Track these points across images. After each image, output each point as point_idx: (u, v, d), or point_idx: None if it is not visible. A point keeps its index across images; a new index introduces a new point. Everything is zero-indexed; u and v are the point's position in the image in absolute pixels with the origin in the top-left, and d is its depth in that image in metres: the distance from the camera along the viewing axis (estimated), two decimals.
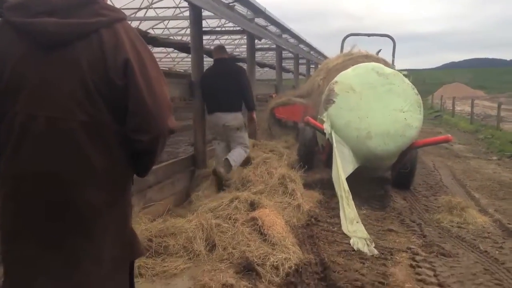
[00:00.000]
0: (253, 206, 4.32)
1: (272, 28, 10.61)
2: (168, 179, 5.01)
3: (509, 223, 5.36)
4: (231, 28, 8.06)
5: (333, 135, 5.91)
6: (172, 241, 3.51)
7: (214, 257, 3.59)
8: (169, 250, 3.47)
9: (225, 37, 14.66)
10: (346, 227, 4.67)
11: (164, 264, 3.34)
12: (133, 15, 11.70)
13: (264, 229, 3.86)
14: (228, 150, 5.83)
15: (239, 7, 8.01)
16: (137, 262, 3.24)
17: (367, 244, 4.24)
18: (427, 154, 10.95)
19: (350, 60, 7.60)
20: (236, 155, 5.69)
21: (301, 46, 14.63)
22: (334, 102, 6.06)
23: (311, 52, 17.28)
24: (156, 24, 14.41)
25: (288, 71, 20.01)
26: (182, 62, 24.60)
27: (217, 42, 14.80)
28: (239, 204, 4.25)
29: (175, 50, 15.35)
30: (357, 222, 4.70)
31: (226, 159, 5.47)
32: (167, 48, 16.24)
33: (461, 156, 10.61)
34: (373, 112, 5.86)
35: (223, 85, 5.85)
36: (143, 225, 3.58)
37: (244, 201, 4.31)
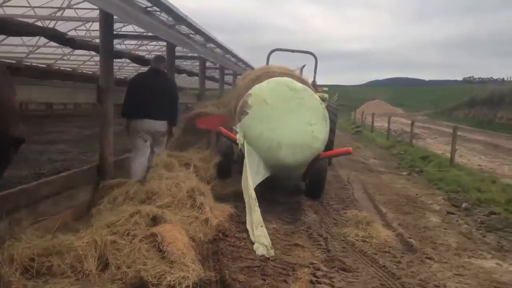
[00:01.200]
0: (155, 221, 4.14)
1: (198, 37, 10.50)
2: (67, 191, 4.67)
3: (409, 237, 5.59)
4: (146, 34, 7.77)
5: (245, 145, 6.13)
6: (57, 260, 3.24)
7: (105, 277, 3.38)
8: (53, 271, 3.20)
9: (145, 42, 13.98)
10: (252, 233, 4.85)
11: (45, 286, 3.07)
12: (53, 15, 11.07)
13: (163, 246, 3.69)
14: (150, 148, 6.23)
15: (160, 14, 7.82)
16: (14, 285, 2.97)
17: (267, 249, 4.47)
18: (344, 168, 11.31)
19: (268, 74, 7.68)
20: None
21: (228, 56, 14.62)
22: (247, 113, 6.32)
23: (239, 63, 17.33)
24: (79, 26, 13.77)
25: (216, 80, 19.98)
26: None
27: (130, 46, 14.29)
28: (139, 218, 4.05)
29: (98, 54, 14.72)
30: (261, 227, 4.89)
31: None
32: (90, 52, 15.52)
33: (375, 171, 11.04)
34: (283, 124, 6.11)
35: (156, 95, 6.12)
36: (24, 243, 3.27)
37: (146, 216, 4.12)
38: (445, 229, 6.18)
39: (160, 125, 6.21)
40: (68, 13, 11.27)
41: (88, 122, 17.78)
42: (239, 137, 6.33)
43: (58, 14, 11.36)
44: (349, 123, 34.37)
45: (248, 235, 4.95)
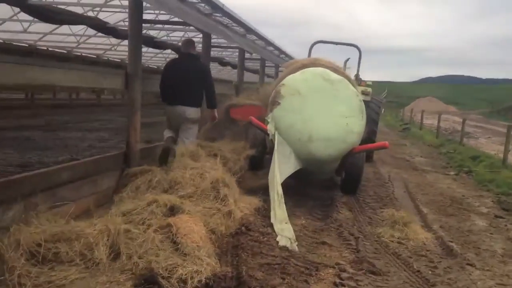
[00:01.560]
0: (172, 211, 3.97)
1: (237, 28, 10.31)
2: (90, 177, 4.60)
3: (450, 241, 5.17)
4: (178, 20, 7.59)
5: (276, 136, 5.98)
6: (66, 247, 3.12)
7: (116, 267, 3.23)
8: (61, 258, 3.08)
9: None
10: (276, 226, 4.75)
11: (51, 273, 2.96)
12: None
13: (177, 237, 3.52)
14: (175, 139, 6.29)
15: (197, 3, 7.67)
16: (18, 270, 2.88)
17: (291, 242, 4.38)
18: (386, 165, 10.82)
19: (310, 65, 7.39)
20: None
21: (270, 48, 14.37)
22: (279, 104, 6.14)
23: (281, 56, 17.04)
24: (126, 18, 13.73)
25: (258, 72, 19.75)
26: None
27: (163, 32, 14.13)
28: (156, 208, 3.90)
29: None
30: (286, 223, 4.76)
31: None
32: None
33: (419, 169, 10.48)
34: (316, 116, 5.92)
35: (188, 80, 6.20)
36: (34, 228, 3.18)
37: (163, 205, 3.95)
38: (491, 233, 5.68)
39: (191, 112, 6.24)
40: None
41: None
42: (270, 128, 6.15)
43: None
44: (397, 120, 33.28)
45: (273, 230, 4.71)
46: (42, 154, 8.04)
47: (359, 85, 11.39)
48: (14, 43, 17.82)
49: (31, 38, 17.67)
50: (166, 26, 10.97)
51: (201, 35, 8.79)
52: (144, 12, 5.78)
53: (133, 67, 5.27)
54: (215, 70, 33.01)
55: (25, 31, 14.79)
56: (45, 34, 16.89)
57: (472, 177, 9.58)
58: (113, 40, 19.30)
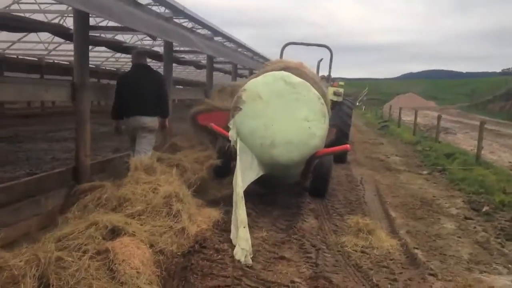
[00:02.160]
0: (114, 233, 3.72)
1: (203, 31, 10.08)
2: (31, 197, 4.32)
3: (416, 247, 5.02)
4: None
5: (238, 142, 5.88)
6: None
7: None
8: None
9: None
10: (235, 234, 4.62)
11: None
12: None
13: (115, 264, 3.26)
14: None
15: (157, 7, 7.42)
16: None
17: (246, 256, 4.22)
18: (360, 166, 10.69)
19: (276, 67, 7.21)
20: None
21: (241, 50, 14.16)
22: (240, 109, 6.04)
23: (255, 58, 16.85)
24: None
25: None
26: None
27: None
28: (95, 231, 3.64)
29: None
30: (244, 227, 4.61)
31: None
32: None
33: (393, 169, 10.35)
34: (278, 120, 5.83)
35: (142, 91, 6.15)
36: None
37: (103, 228, 3.70)
38: (459, 237, 5.56)
39: (148, 121, 6.20)
40: None
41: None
42: (231, 134, 6.06)
43: None
44: (377, 118, 33.31)
45: (229, 247, 4.48)
46: (0, 169, 7.71)
47: (332, 85, 11.25)
48: None
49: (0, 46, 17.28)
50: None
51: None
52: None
53: (80, 76, 4.99)
54: (193, 74, 32.84)
55: None
56: (14, 43, 16.52)
57: (445, 176, 9.49)
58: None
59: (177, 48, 10.00)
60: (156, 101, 6.24)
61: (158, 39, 9.03)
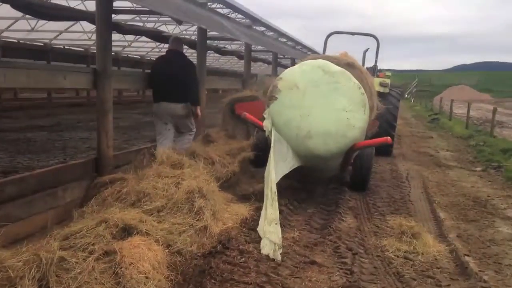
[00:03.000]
0: (126, 232, 3.41)
1: (242, 19, 9.69)
2: (47, 189, 4.08)
3: (467, 254, 4.45)
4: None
5: (273, 132, 5.65)
6: None
7: None
8: None
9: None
10: (263, 228, 4.38)
11: None
12: None
13: (121, 268, 2.94)
14: (175, 134, 6.43)
15: None
16: None
17: (274, 250, 4.01)
18: (406, 160, 10.02)
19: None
20: (185, 142, 6.34)
21: (284, 40, 13.67)
22: (276, 98, 5.75)
23: (298, 48, 16.29)
24: None
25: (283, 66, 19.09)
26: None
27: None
28: (105, 229, 3.34)
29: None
30: (275, 224, 4.39)
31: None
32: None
33: (443, 165, 9.60)
34: (315, 110, 5.59)
35: (173, 77, 6.18)
36: None
37: (114, 226, 3.39)
38: None
39: (178, 108, 6.25)
40: None
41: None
42: (266, 124, 5.80)
43: None
44: (427, 110, 31.87)
45: (254, 248, 4.09)
46: (34, 158, 7.66)
47: (378, 76, 10.67)
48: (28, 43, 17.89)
49: (47, 36, 17.62)
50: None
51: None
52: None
53: (102, 63, 4.71)
54: (238, 65, 32.60)
55: (32, 29, 14.54)
56: (60, 32, 16.79)
57: (501, 174, 8.68)
58: (129, 37, 19.20)
59: (213, 34, 9.62)
60: (186, 87, 6.18)
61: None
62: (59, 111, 16.84)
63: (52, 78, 4.07)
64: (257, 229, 4.50)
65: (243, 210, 4.95)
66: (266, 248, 4.03)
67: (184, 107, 6.25)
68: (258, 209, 5.20)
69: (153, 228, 3.57)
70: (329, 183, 7.05)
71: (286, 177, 5.82)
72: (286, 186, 6.20)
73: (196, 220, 4.02)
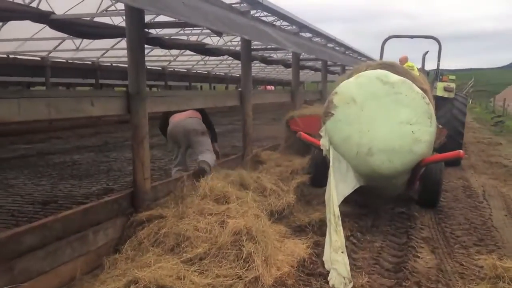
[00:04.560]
0: None
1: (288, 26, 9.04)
2: (75, 233, 3.55)
3: None
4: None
5: (331, 151, 5.37)
6: None
7: None
8: None
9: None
10: (329, 256, 4.09)
11: None
12: None
13: None
14: (188, 154, 6.43)
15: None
16: None
17: (345, 283, 3.71)
18: (478, 174, 8.94)
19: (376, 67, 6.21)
20: (210, 158, 6.04)
21: (332, 46, 12.88)
22: (332, 115, 5.44)
23: (348, 53, 15.43)
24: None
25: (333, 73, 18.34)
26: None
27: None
28: None
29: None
30: (342, 252, 4.08)
31: (203, 161, 5.89)
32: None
33: None
34: (375, 125, 5.25)
35: None
36: None
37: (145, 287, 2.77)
38: None
39: (192, 123, 6.19)
40: None
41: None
42: (323, 142, 5.52)
43: None
44: (487, 112, 29.89)
45: None
46: (77, 184, 7.31)
47: (441, 80, 9.86)
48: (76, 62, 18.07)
49: (93, 55, 17.76)
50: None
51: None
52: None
53: (135, 84, 4.17)
54: (284, 73, 32.06)
55: (77, 49, 14.55)
56: (107, 50, 16.82)
57: None
58: (174, 52, 19.10)
59: (258, 44, 9.03)
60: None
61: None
62: (107, 129, 16.82)
63: (78, 106, 3.55)
64: (323, 258, 4.18)
65: (299, 248, 4.22)
66: (335, 281, 3.74)
67: (199, 123, 6.23)
68: (317, 245, 4.51)
69: (193, 286, 2.92)
70: (394, 207, 6.22)
71: (345, 201, 5.15)
72: (346, 213, 5.45)
73: (245, 270, 3.34)
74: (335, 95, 5.47)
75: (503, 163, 10.15)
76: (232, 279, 3.23)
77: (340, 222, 4.42)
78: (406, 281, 3.86)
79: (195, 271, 3.19)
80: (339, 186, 5.05)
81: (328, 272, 3.90)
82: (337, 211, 4.54)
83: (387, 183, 5.60)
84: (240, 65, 7.50)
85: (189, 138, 6.16)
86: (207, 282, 3.07)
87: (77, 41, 14.13)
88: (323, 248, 4.45)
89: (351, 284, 3.71)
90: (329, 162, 5.35)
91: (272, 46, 8.94)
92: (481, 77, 73.22)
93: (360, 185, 5.28)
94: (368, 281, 3.86)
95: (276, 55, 18.22)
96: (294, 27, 8.99)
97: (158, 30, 12.25)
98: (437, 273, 4.09)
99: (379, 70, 5.67)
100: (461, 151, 5.69)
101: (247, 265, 3.38)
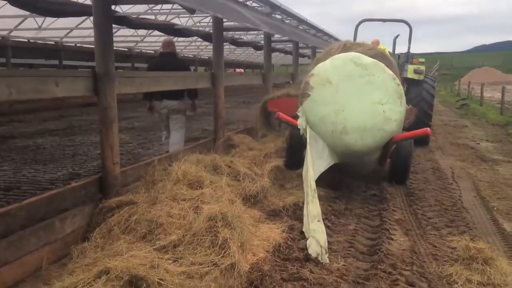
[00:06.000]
0: (132, 286, 2.65)
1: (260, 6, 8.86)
2: (41, 221, 3.36)
3: None
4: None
5: (308, 130, 5.64)
6: None
7: None
8: None
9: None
10: (307, 227, 4.31)
11: None
12: None
13: None
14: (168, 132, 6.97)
15: None
16: None
17: (322, 252, 3.90)
18: (446, 155, 9.11)
19: (346, 49, 6.37)
20: (178, 140, 6.80)
21: (303, 27, 12.76)
22: (309, 96, 5.69)
23: (319, 35, 15.36)
24: None
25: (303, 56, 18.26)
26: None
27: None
28: (106, 283, 2.58)
29: None
30: (318, 221, 4.37)
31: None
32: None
33: (488, 160, 8.65)
34: (349, 105, 5.52)
35: None
36: None
37: (117, 278, 2.63)
38: None
39: (175, 104, 6.73)
40: None
41: None
42: (300, 122, 5.76)
43: None
44: (452, 95, 30.60)
45: (294, 286, 3.31)
46: (41, 169, 7.00)
47: (411, 63, 10.01)
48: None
49: (57, 35, 17.05)
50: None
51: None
52: None
53: (103, 64, 3.95)
54: (253, 56, 31.78)
55: (40, 28, 13.92)
56: (71, 30, 16.17)
57: None
58: (141, 32, 18.56)
59: (228, 25, 8.82)
60: None
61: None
62: (72, 112, 16.24)
63: (41, 87, 3.32)
64: (303, 229, 4.40)
65: (274, 233, 4.17)
66: (313, 247, 3.93)
67: (180, 103, 6.76)
68: (291, 230, 4.47)
69: (168, 275, 2.80)
70: (366, 190, 6.25)
71: (318, 184, 5.14)
72: (320, 196, 5.41)
73: (221, 257, 3.24)
74: (312, 76, 5.69)
75: (470, 145, 10.38)
76: (208, 266, 3.13)
77: (316, 195, 4.71)
78: (381, 263, 3.85)
79: (169, 259, 3.07)
80: (316, 163, 5.32)
81: (307, 249, 3.94)
82: (313, 184, 4.84)
83: (360, 160, 5.90)
84: (209, 47, 7.37)
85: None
86: (182, 270, 2.96)
87: (40, 19, 13.51)
88: (299, 232, 4.43)
89: (327, 254, 3.90)
90: (305, 141, 5.65)
91: (242, 27, 8.76)
92: (446, 61, 74.74)
93: (335, 162, 5.57)
94: (344, 265, 3.84)
95: (246, 37, 17.96)
96: (266, 7, 8.81)
97: (125, 8, 11.84)
98: (411, 255, 4.10)
99: (353, 53, 5.89)
100: (428, 128, 6.14)
101: (222, 252, 3.29)
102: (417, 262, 3.96)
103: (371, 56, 5.89)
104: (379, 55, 6.31)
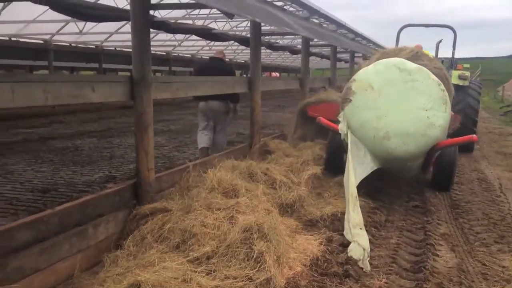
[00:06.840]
0: None
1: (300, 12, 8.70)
2: (74, 228, 3.31)
3: None
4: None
5: (349, 135, 5.57)
6: None
7: None
8: None
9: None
10: (349, 231, 4.33)
11: None
12: None
13: None
14: (212, 129, 7.18)
15: None
16: None
17: (364, 257, 3.89)
18: (493, 166, 8.65)
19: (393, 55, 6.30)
20: (222, 140, 7.26)
21: (342, 31, 12.50)
22: (350, 101, 5.63)
23: (358, 39, 15.05)
24: None
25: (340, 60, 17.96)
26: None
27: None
28: None
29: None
30: (360, 229, 4.34)
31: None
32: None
33: None
34: (392, 110, 5.44)
35: None
36: None
37: None
38: None
39: (220, 105, 6.95)
40: None
41: None
42: (341, 127, 5.73)
43: None
44: (496, 102, 29.45)
45: None
46: (79, 171, 7.06)
47: (455, 69, 9.69)
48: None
49: (97, 39, 17.41)
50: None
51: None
52: None
53: (140, 69, 3.89)
54: (289, 60, 31.57)
55: (81, 32, 14.23)
56: (111, 34, 16.48)
57: None
58: (179, 36, 18.73)
59: (265, 29, 8.71)
60: None
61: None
62: (111, 114, 16.50)
63: (77, 92, 3.28)
64: (344, 233, 4.40)
65: (311, 245, 3.98)
66: (355, 252, 3.94)
67: (225, 105, 7.00)
68: (330, 241, 4.27)
69: (204, 285, 2.67)
70: (409, 200, 5.98)
71: (360, 197, 4.93)
72: (359, 207, 5.20)
73: (256, 271, 3.09)
74: (354, 82, 5.65)
75: None
76: (242, 281, 2.98)
77: (357, 202, 4.65)
78: (427, 282, 3.62)
79: (202, 271, 2.95)
80: (357, 169, 5.23)
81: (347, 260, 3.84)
82: (355, 192, 4.76)
83: (402, 166, 5.86)
84: (245, 51, 7.33)
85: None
86: (215, 284, 2.83)
87: (81, 24, 13.80)
88: (337, 245, 4.24)
89: (368, 258, 3.87)
90: (346, 147, 5.59)
91: (280, 31, 8.63)
92: (488, 66, 72.36)
93: (376, 167, 5.48)
94: (386, 282, 3.61)
95: (282, 41, 17.79)
96: (304, 11, 8.64)
97: (163, 13, 11.94)
98: (458, 274, 3.85)
99: (396, 58, 5.85)
100: (474, 135, 5.99)
101: (258, 266, 3.13)
102: (466, 282, 3.70)
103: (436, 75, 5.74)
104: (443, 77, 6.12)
